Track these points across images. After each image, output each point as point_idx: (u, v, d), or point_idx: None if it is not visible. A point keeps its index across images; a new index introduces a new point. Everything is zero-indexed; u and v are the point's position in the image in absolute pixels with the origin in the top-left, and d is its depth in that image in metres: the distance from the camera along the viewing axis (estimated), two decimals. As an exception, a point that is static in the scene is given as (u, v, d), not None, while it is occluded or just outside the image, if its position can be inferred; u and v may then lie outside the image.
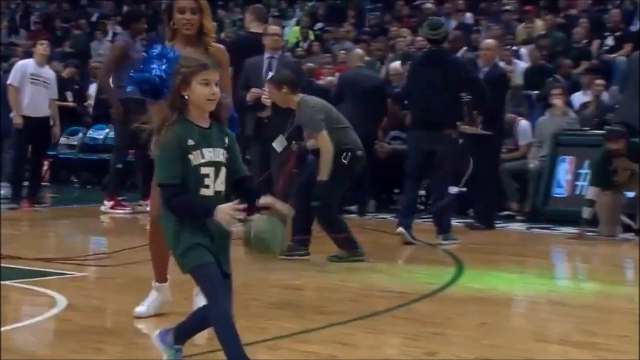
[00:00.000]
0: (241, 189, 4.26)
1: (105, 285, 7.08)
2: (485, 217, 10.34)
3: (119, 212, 11.34)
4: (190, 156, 3.97)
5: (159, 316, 5.71)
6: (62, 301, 6.05)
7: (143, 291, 6.60)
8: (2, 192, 12.72)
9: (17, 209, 11.74)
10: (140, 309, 5.65)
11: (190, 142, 3.96)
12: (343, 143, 7.77)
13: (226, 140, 4.08)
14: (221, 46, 5.79)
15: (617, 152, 9.47)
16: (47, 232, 10.69)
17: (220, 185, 4.09)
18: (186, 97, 3.98)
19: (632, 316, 5.90)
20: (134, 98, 10.95)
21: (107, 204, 11.43)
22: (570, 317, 6.08)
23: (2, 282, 6.33)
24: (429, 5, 18.03)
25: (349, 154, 7.76)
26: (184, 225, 4.01)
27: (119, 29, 21.59)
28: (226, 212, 3.88)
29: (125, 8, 23.24)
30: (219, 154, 4.05)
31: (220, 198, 4.08)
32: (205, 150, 4.00)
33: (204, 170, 4.02)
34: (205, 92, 3.96)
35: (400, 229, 8.91)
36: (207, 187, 4.04)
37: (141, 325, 5.54)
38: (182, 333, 4.28)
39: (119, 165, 11.63)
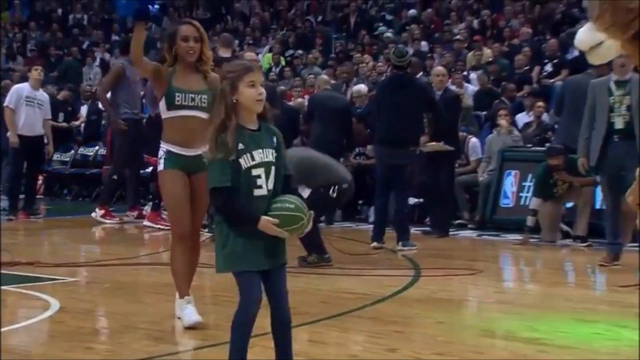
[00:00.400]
0: (284, 185, 4.02)
1: (94, 290, 7.02)
2: (442, 225, 10.37)
3: (108, 222, 11.23)
4: (241, 160, 3.78)
5: (145, 320, 5.66)
6: (55, 304, 6.00)
7: (129, 295, 6.58)
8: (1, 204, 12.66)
9: (14, 220, 11.67)
10: (193, 318, 5.28)
11: (241, 146, 3.77)
12: (331, 181, 7.79)
13: (274, 139, 3.89)
14: (217, 75, 5.67)
15: (557, 167, 9.54)
16: (42, 241, 10.61)
17: (271, 184, 3.88)
18: (235, 101, 3.80)
19: (572, 314, 5.94)
20: (129, 118, 11.02)
21: (99, 212, 11.34)
22: (516, 315, 6.08)
23: (1, 287, 6.24)
24: (388, 34, 18.09)
25: (336, 187, 7.80)
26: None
27: (107, 55, 21.58)
28: (267, 226, 3.72)
29: (113, 37, 23.19)
30: (269, 154, 3.85)
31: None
32: (255, 153, 3.81)
33: (255, 171, 3.81)
34: (253, 93, 3.78)
35: (374, 244, 9.07)
36: (260, 187, 3.83)
37: (128, 326, 5.48)
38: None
39: (115, 177, 11.54)
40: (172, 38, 5.41)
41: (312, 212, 3.84)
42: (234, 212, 3.81)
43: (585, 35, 3.17)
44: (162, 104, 5.40)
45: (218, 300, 5.75)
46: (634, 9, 2.99)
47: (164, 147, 5.41)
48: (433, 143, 9.82)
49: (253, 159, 3.80)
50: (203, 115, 5.25)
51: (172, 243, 5.50)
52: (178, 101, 5.32)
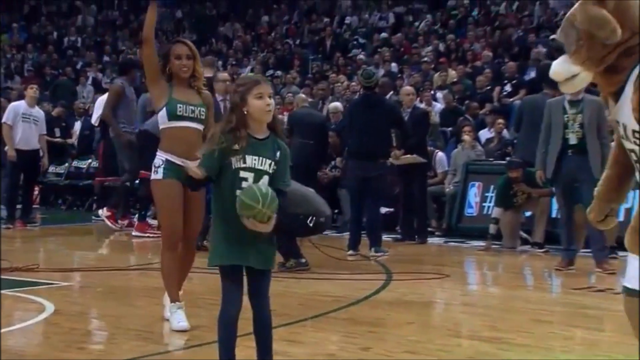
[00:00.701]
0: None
1: (87, 293, 6.96)
2: (421, 233, 10.43)
3: (110, 225, 11.16)
4: (233, 159, 3.76)
5: (135, 322, 5.63)
6: (50, 307, 5.94)
7: (120, 298, 6.53)
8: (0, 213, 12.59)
9: (12, 228, 11.60)
10: (181, 324, 5.20)
11: (236, 147, 3.74)
12: (310, 212, 7.73)
13: (277, 153, 3.85)
14: (208, 92, 5.60)
15: (516, 179, 9.59)
16: (38, 247, 10.52)
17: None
18: (246, 112, 3.77)
19: (530, 315, 5.96)
20: (126, 132, 10.95)
21: (106, 212, 11.26)
22: (479, 316, 6.09)
23: (-2, 292, 6.17)
24: (361, 56, 18.15)
25: (314, 219, 7.72)
26: (223, 224, 3.80)
27: (99, 75, 21.50)
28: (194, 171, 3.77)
29: (105, 58, 23.11)
30: (265, 163, 3.81)
31: None
32: (249, 157, 3.77)
33: (243, 173, 3.77)
34: (261, 105, 3.75)
35: (350, 252, 9.06)
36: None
37: (119, 327, 5.44)
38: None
39: (128, 184, 11.46)
40: (166, 57, 5.34)
41: (274, 207, 3.76)
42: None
43: (560, 67, 3.17)
44: (162, 115, 5.29)
45: (205, 302, 5.72)
46: (608, 45, 3.00)
47: (162, 156, 5.28)
48: (407, 156, 9.88)
49: (244, 162, 3.77)
50: (201, 127, 5.24)
51: (162, 249, 5.39)
52: (180, 112, 5.24)
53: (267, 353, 3.87)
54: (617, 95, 3.15)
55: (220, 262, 3.78)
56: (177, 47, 5.35)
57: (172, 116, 5.25)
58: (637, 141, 3.10)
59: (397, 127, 9.61)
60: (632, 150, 3.15)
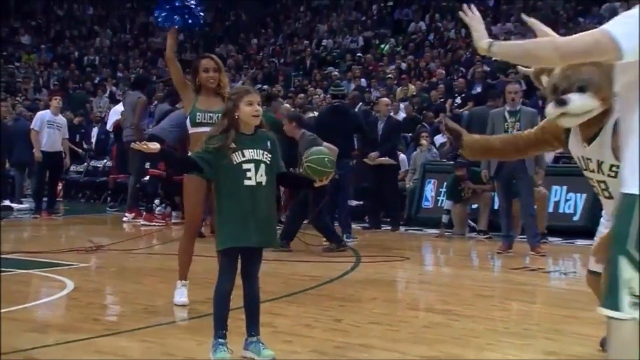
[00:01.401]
0: (287, 179, 4.20)
1: (102, 273, 6.93)
2: (394, 222, 10.45)
3: (140, 222, 10.87)
4: (233, 156, 3.76)
5: (142, 297, 5.60)
6: (70, 284, 5.91)
7: (130, 277, 6.50)
8: (26, 205, 12.48)
9: (39, 218, 11.58)
10: (181, 299, 5.17)
11: (233, 145, 3.76)
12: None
13: (268, 143, 3.86)
14: None
15: (462, 177, 9.64)
16: (61, 234, 10.46)
17: (260, 177, 3.82)
18: (237, 116, 3.78)
19: (475, 290, 5.98)
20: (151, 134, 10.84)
21: (129, 215, 11.09)
22: (433, 292, 6.12)
23: (28, 271, 6.11)
24: (335, 73, 18.13)
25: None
26: (230, 212, 3.78)
27: (114, 88, 21.35)
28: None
29: (118, 74, 22.95)
30: (259, 154, 3.81)
31: (261, 187, 3.80)
32: (246, 151, 3.78)
33: (246, 166, 3.77)
34: (250, 110, 3.76)
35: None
36: (250, 179, 3.78)
37: (129, 302, 5.41)
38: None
39: (138, 185, 11.34)
40: (195, 70, 5.25)
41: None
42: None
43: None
44: (187, 122, 5.23)
45: (202, 281, 5.70)
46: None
47: None
48: (381, 158, 9.90)
49: (244, 155, 3.78)
50: None
51: (183, 234, 5.33)
52: (199, 119, 5.15)
53: (256, 324, 3.87)
54: (589, 139, 3.26)
55: (223, 246, 3.79)
56: (205, 61, 5.27)
57: (193, 123, 5.19)
58: (612, 174, 3.19)
59: (358, 132, 9.65)
60: (602, 181, 3.22)
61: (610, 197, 3.26)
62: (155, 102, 12.97)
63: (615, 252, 2.59)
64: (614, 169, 3.15)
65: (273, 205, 3.96)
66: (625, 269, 2.55)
